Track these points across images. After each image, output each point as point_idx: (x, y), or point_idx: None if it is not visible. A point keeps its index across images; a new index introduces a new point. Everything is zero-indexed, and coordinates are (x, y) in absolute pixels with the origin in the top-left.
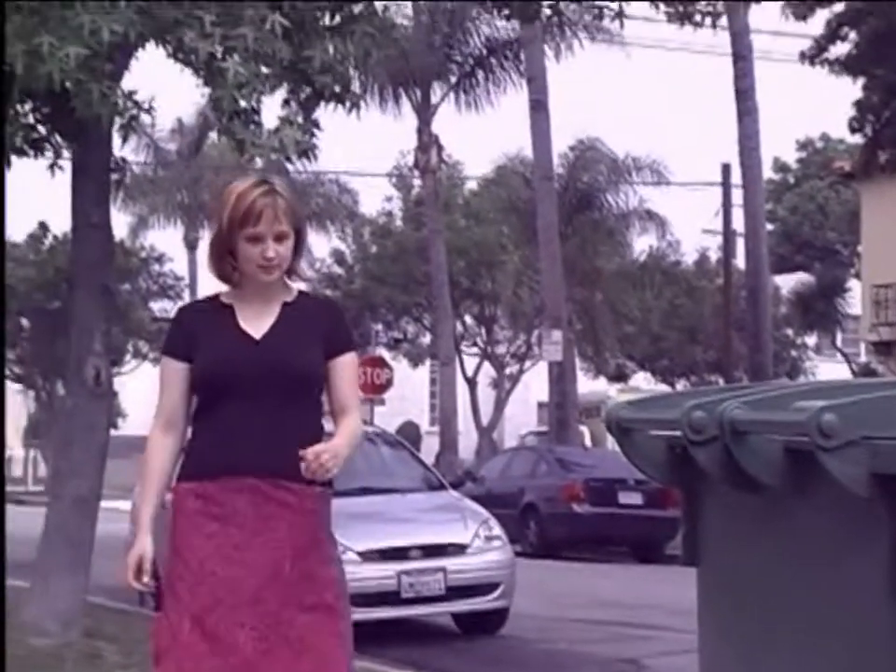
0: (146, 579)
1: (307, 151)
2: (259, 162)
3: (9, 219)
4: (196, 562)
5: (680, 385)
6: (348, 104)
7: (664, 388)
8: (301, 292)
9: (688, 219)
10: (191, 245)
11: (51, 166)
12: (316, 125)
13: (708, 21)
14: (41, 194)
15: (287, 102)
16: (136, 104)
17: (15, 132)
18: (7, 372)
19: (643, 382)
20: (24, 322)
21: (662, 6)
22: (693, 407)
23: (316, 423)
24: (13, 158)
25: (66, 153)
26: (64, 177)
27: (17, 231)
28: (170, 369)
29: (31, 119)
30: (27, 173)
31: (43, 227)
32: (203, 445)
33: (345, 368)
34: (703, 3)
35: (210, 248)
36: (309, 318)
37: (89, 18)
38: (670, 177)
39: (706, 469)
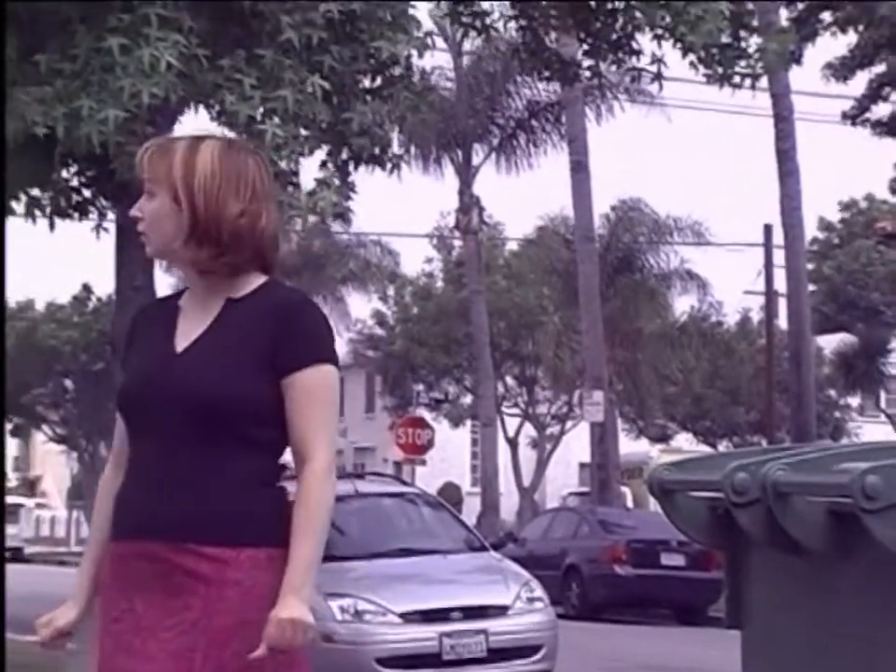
0: (47, 633)
1: (342, 214)
2: (298, 224)
3: (55, 281)
4: (102, 656)
5: (723, 447)
6: (388, 165)
7: (706, 449)
8: (265, 283)
9: (729, 280)
10: None
11: (96, 228)
12: (352, 188)
13: (748, 82)
14: (86, 256)
15: (324, 164)
16: None
17: (59, 195)
18: (51, 433)
19: (685, 443)
20: (68, 383)
21: (701, 68)
22: (736, 469)
23: (251, 470)
24: (57, 220)
25: (111, 215)
26: (109, 240)
27: (61, 293)
28: (119, 380)
29: (75, 182)
30: (72, 235)
31: (87, 289)
32: (118, 493)
33: (303, 391)
34: (742, 65)
35: None
36: (254, 323)
37: (129, 81)
38: (711, 238)
39: (748, 531)
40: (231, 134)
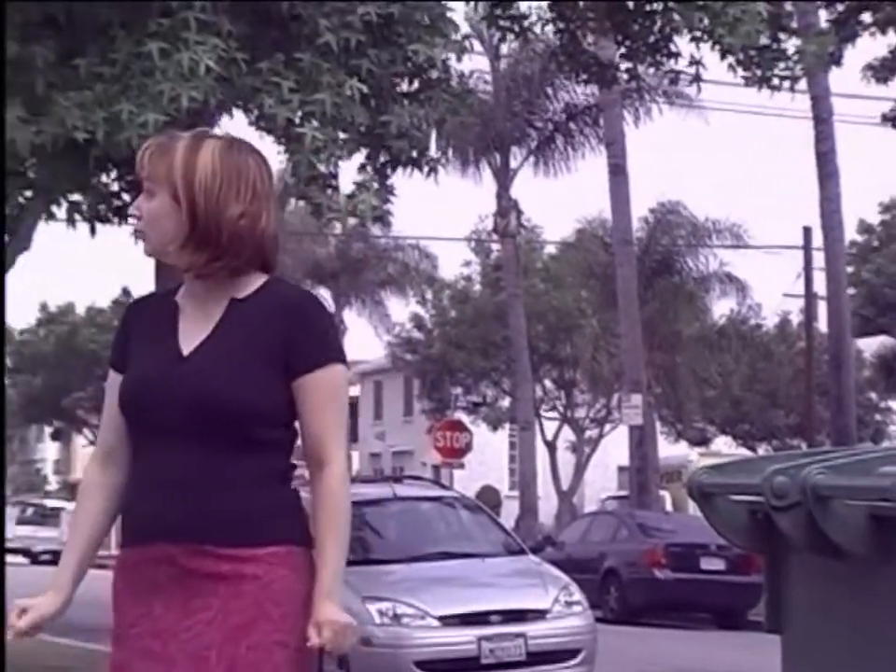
0: (17, 622)
1: (381, 217)
2: (337, 227)
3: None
4: (119, 662)
5: (762, 450)
6: (425, 168)
7: (745, 453)
8: (268, 281)
9: (769, 283)
10: None
11: (135, 232)
12: (391, 191)
13: (787, 84)
14: (125, 260)
15: (363, 167)
16: None
17: (99, 199)
18: (91, 437)
19: (724, 446)
20: None
21: (739, 70)
22: (776, 472)
23: (262, 469)
24: (97, 225)
25: None
26: None
27: (101, 297)
28: (110, 381)
29: (115, 187)
30: (112, 239)
31: (126, 293)
32: (126, 498)
33: (317, 392)
34: (781, 67)
35: None
36: (260, 322)
37: (168, 85)
38: (750, 241)
39: (788, 534)
40: (269, 138)
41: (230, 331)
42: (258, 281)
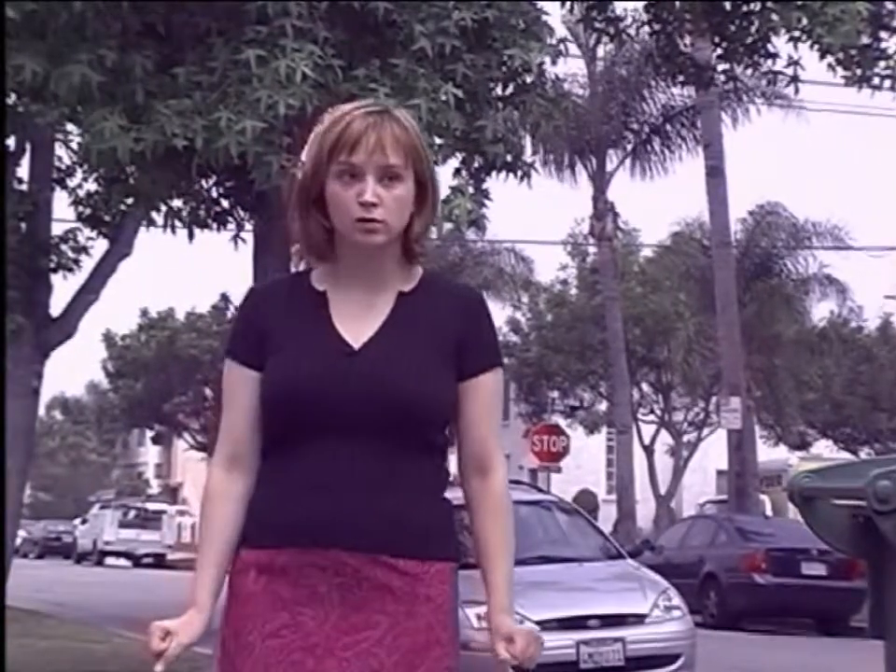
0: (166, 646)
1: (477, 221)
2: (433, 232)
3: (194, 291)
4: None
5: (864, 454)
6: (520, 172)
7: (846, 456)
8: (426, 275)
9: (870, 285)
10: None
11: (234, 238)
12: (487, 195)
13: (888, 83)
14: (224, 266)
15: (458, 171)
16: None
17: (198, 205)
18: (192, 441)
19: (825, 450)
20: (208, 392)
21: (839, 70)
22: (878, 476)
23: (439, 474)
24: (196, 230)
25: (248, 226)
26: (247, 249)
27: (201, 303)
28: (235, 377)
29: (214, 193)
30: (211, 245)
31: (225, 298)
32: (271, 497)
33: (485, 395)
34: (882, 66)
35: (292, 204)
36: (436, 318)
37: (265, 93)
38: (851, 242)
39: (892, 539)
40: None
41: (404, 325)
42: (416, 273)
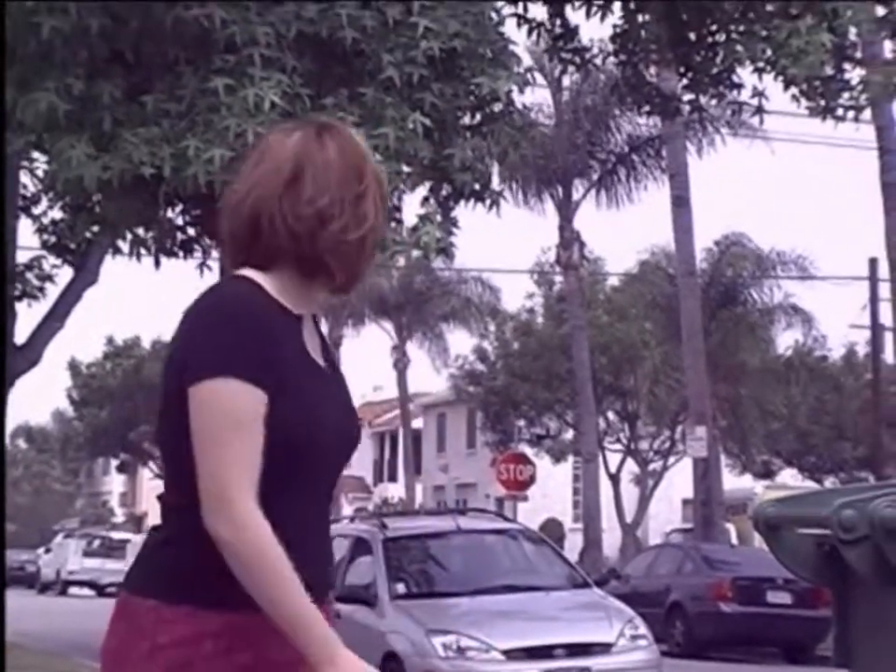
0: None
1: (445, 249)
2: (401, 260)
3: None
4: None
5: (829, 483)
6: (488, 201)
7: (811, 485)
8: None
9: (835, 314)
10: (336, 344)
11: (200, 266)
12: (455, 223)
13: (851, 114)
14: (191, 294)
15: (426, 200)
16: None
17: (165, 234)
18: (157, 470)
19: (790, 479)
20: None
21: (803, 100)
22: (843, 505)
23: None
24: (163, 258)
25: (215, 253)
26: (214, 277)
27: (167, 331)
28: (250, 400)
29: (180, 221)
30: (177, 273)
31: None
32: (307, 551)
33: None
34: (845, 97)
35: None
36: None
37: (234, 121)
38: (816, 272)
39: (856, 568)
40: None
41: (329, 354)
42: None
